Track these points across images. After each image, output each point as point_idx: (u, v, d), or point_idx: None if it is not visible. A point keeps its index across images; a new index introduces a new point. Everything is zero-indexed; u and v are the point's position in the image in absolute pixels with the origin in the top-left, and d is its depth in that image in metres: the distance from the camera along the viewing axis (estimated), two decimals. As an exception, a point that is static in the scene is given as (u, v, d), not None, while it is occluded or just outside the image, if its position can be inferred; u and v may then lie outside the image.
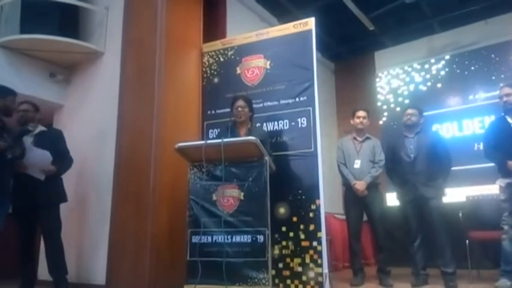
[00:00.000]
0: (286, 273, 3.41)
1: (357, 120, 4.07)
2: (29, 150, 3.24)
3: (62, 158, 3.49)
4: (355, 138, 4.10)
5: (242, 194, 2.85)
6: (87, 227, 3.67)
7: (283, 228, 3.48)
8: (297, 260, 3.39)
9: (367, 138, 4.09)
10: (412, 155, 3.75)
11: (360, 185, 3.84)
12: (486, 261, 4.48)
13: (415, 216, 3.72)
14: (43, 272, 3.93)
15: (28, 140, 3.38)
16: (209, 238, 2.83)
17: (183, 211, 3.11)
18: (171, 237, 3.48)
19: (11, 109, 3.25)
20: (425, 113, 4.04)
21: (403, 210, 3.83)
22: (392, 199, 5.72)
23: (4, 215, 3.16)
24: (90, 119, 3.88)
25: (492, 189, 5.04)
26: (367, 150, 4.00)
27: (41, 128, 3.54)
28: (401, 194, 3.82)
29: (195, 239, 2.86)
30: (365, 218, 4.05)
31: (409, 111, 3.92)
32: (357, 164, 3.95)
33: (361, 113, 4.08)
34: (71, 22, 4.24)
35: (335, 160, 4.18)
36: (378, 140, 4.13)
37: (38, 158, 3.29)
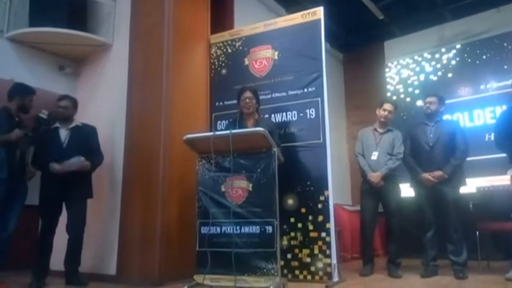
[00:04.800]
0: (295, 263, 3.43)
1: (382, 113, 3.98)
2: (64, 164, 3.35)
3: (95, 155, 3.59)
4: (376, 130, 4.03)
5: (250, 185, 2.85)
6: (98, 218, 3.72)
7: (292, 219, 3.49)
8: (306, 251, 3.41)
9: (389, 130, 4.01)
10: (430, 144, 3.71)
11: (374, 177, 3.81)
12: (496, 253, 4.45)
13: (430, 206, 3.69)
14: (54, 262, 4.00)
15: (63, 134, 3.51)
16: (218, 229, 2.84)
17: (192, 202, 3.13)
18: (180, 228, 3.52)
19: (28, 107, 3.42)
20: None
21: (418, 199, 3.80)
22: (403, 190, 5.71)
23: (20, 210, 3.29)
24: (99, 111, 3.91)
25: (503, 180, 5.01)
26: (386, 142, 3.94)
27: (76, 122, 3.62)
28: (417, 183, 3.77)
29: (204, 230, 2.88)
30: (380, 209, 4.03)
31: (428, 99, 3.85)
32: (374, 155, 3.91)
33: (388, 106, 3.99)
34: (79, 15, 4.24)
35: (344, 151, 4.17)
36: (399, 133, 4.01)
37: (73, 164, 3.38)
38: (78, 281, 3.40)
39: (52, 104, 4.64)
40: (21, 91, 3.38)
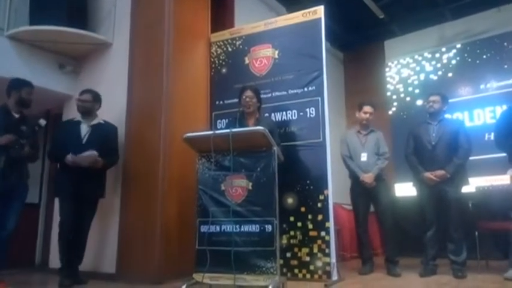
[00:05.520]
0: (294, 262, 3.44)
1: (363, 116, 4.04)
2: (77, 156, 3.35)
3: (111, 154, 3.60)
4: (359, 132, 4.08)
5: (250, 184, 2.84)
6: (97, 216, 3.71)
7: (291, 218, 3.50)
8: (305, 250, 3.42)
9: (372, 131, 4.07)
10: (433, 142, 3.70)
11: (368, 178, 3.83)
12: (495, 252, 4.44)
13: (431, 205, 3.69)
14: (52, 259, 4.01)
15: (84, 130, 3.51)
16: (218, 227, 2.84)
17: (192, 201, 3.14)
18: (180, 227, 3.52)
19: (28, 100, 3.39)
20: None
21: (420, 199, 3.80)
22: (400, 190, 5.70)
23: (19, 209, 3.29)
24: (99, 109, 3.90)
25: (503, 180, 5.00)
26: (372, 142, 3.99)
27: (98, 119, 3.63)
28: (419, 182, 3.76)
29: (204, 229, 2.88)
30: (372, 209, 4.05)
31: (432, 98, 3.84)
32: (364, 157, 3.94)
33: (368, 108, 4.05)
34: (80, 13, 4.23)
35: (341, 153, 4.16)
36: (381, 132, 4.11)
37: (86, 158, 3.37)
38: (80, 279, 3.40)
39: (53, 103, 4.65)
40: (16, 85, 3.35)
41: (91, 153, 3.38)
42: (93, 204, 3.57)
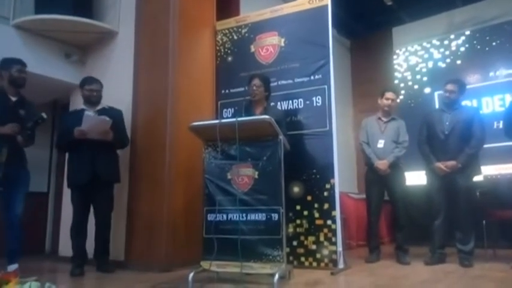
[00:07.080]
0: (301, 250, 3.46)
1: (385, 102, 4.00)
2: (87, 119, 3.32)
3: (123, 136, 3.61)
4: (380, 119, 4.04)
5: (256, 173, 2.85)
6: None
7: (298, 207, 3.50)
8: (311, 238, 3.43)
9: (393, 119, 4.03)
10: (446, 132, 3.65)
11: (381, 165, 3.81)
12: (503, 241, 4.44)
13: (441, 194, 3.66)
14: (63, 248, 4.06)
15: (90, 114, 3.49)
16: (224, 216, 2.85)
17: (199, 189, 3.15)
18: (187, 215, 3.55)
19: (20, 79, 3.31)
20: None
21: (429, 187, 3.77)
22: (411, 178, 5.67)
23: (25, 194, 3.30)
24: (105, 99, 3.90)
25: (511, 168, 4.96)
26: (392, 130, 3.95)
27: (102, 105, 3.62)
28: (431, 171, 3.73)
29: (211, 217, 2.89)
30: (385, 197, 4.04)
31: (449, 87, 3.73)
32: (381, 143, 3.91)
33: (390, 95, 4.00)
34: (85, 1, 4.22)
35: (350, 139, 4.16)
36: (403, 121, 4.05)
37: (98, 123, 3.37)
38: (107, 268, 3.43)
39: (60, 92, 4.66)
40: (4, 64, 3.29)
41: (104, 118, 3.36)
42: (108, 189, 3.52)
